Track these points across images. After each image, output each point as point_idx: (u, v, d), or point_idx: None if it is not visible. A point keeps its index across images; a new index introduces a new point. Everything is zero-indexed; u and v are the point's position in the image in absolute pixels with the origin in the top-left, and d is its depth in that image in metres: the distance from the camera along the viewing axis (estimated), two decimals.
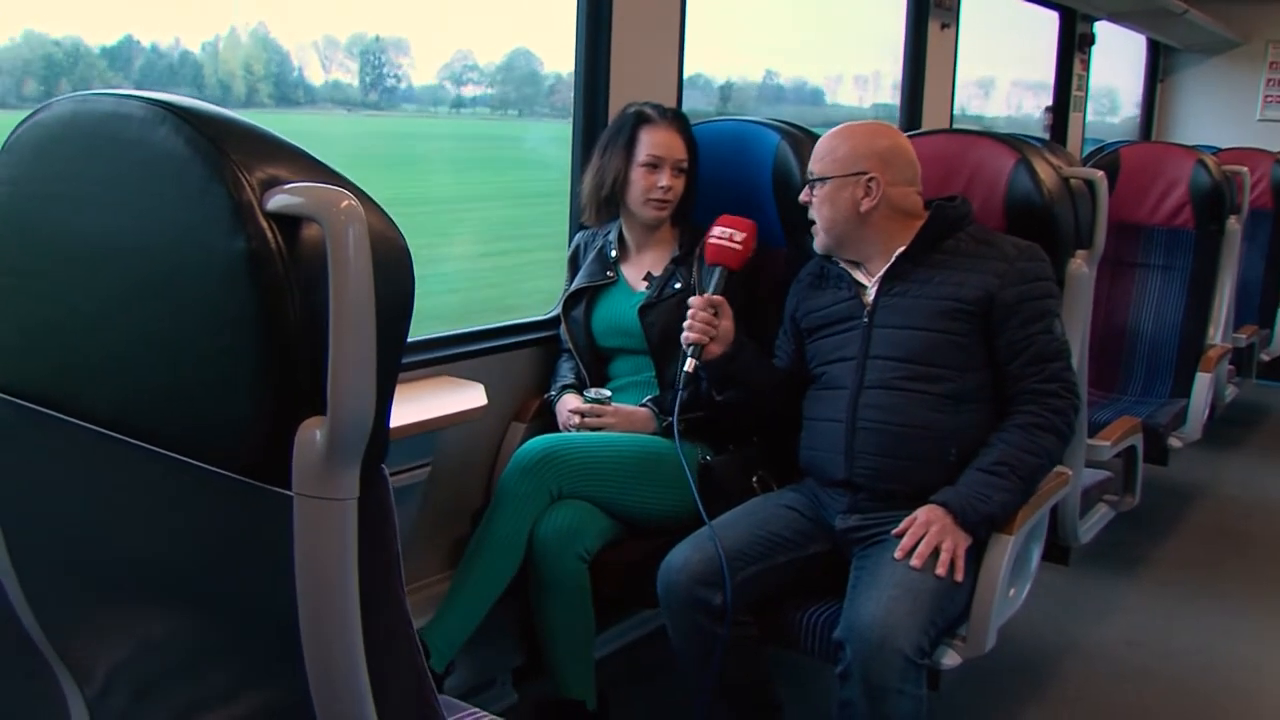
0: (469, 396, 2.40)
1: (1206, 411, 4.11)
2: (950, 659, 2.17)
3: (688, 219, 2.62)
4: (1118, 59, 7.27)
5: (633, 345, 2.61)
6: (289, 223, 1.00)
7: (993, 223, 2.54)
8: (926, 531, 2.13)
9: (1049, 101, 6.04)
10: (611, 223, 2.69)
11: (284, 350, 1.00)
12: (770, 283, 2.64)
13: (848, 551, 2.28)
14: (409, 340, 2.42)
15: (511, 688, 2.76)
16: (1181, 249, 4.16)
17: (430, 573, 2.59)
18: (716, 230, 2.39)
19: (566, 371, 2.70)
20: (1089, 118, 6.36)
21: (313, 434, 1.01)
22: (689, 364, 2.32)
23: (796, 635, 2.23)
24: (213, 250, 1.01)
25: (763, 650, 2.30)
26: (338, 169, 1.06)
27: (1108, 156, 4.35)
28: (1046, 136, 5.66)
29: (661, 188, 2.56)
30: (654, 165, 2.55)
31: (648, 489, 2.44)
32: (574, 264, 2.77)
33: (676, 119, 2.61)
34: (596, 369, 2.68)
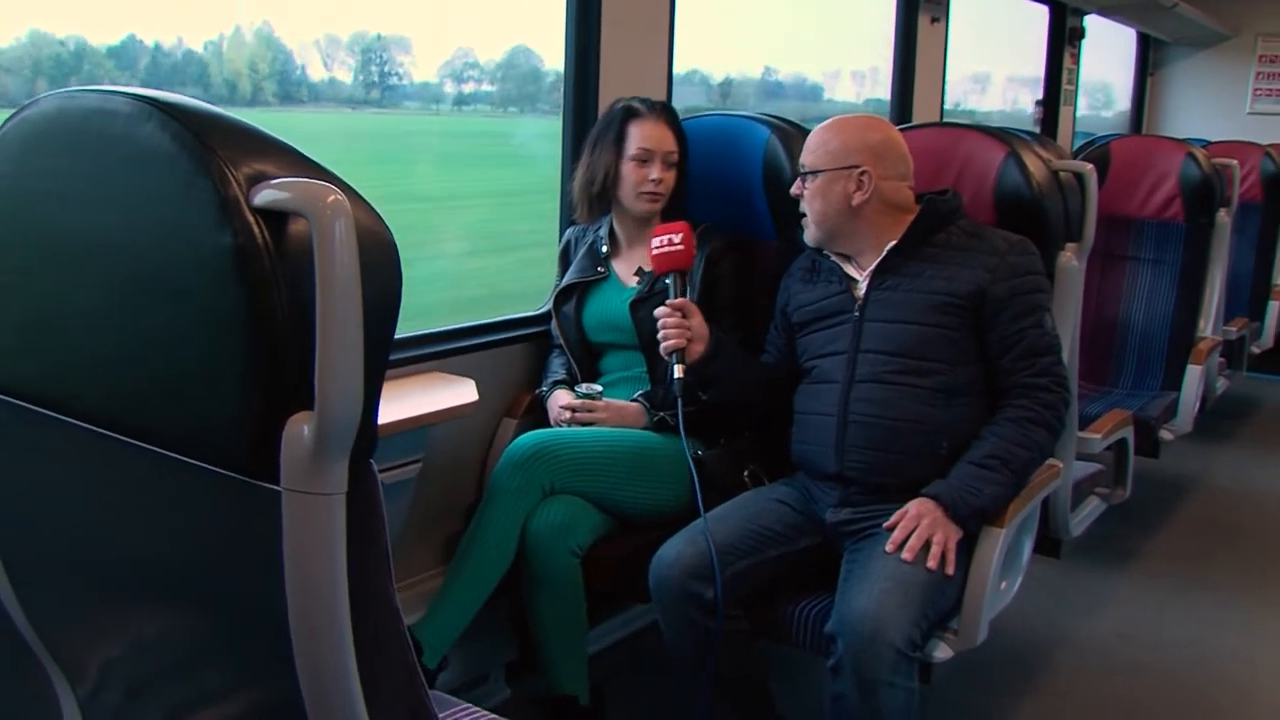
0: (460, 392, 2.39)
1: (1197, 404, 4.11)
2: (942, 652, 2.16)
3: (678, 214, 2.62)
4: (1111, 54, 7.30)
5: (624, 340, 2.61)
6: (276, 218, 1.00)
7: (982, 215, 2.54)
8: (918, 525, 2.13)
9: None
10: (602, 218, 2.69)
11: (271, 345, 1.00)
12: (761, 277, 2.64)
13: (839, 545, 2.29)
14: (400, 336, 2.43)
15: (505, 683, 2.76)
16: (1172, 242, 4.16)
17: (423, 569, 2.59)
18: (655, 242, 2.37)
19: (558, 367, 2.70)
20: (1083, 112, 6.37)
21: (300, 429, 1.01)
22: (678, 370, 2.32)
23: (788, 629, 2.23)
24: (199, 246, 1.01)
25: (754, 644, 2.30)
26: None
27: (1098, 150, 4.35)
28: (1037, 130, 5.67)
29: (653, 180, 2.56)
30: (644, 159, 2.55)
31: (640, 484, 2.44)
32: (564, 260, 2.77)
33: (665, 112, 2.61)
34: (587, 364, 2.68)
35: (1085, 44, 6.09)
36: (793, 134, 2.69)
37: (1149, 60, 7.38)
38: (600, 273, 2.66)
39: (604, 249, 2.67)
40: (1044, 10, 5.83)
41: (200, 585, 1.19)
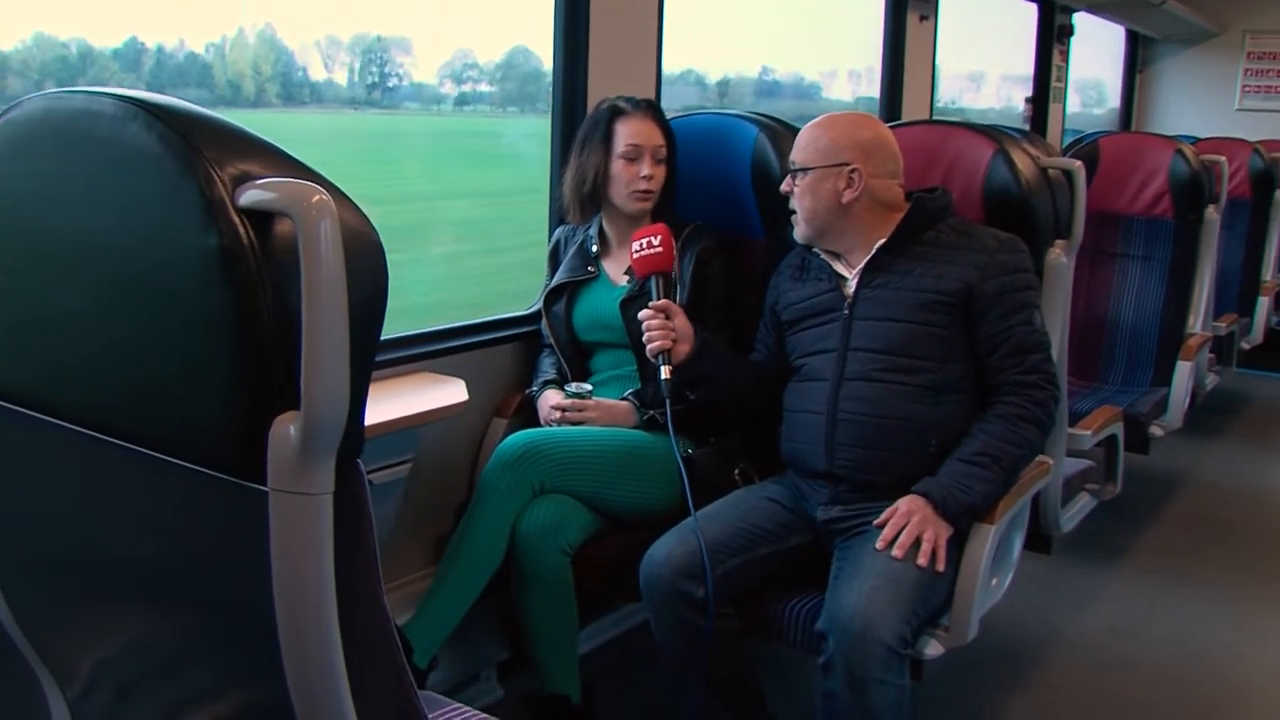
0: (450, 392, 2.39)
1: (1187, 400, 4.12)
2: (933, 649, 2.17)
3: (668, 213, 2.62)
4: (1103, 51, 7.31)
5: (614, 339, 2.61)
6: (261, 218, 1.00)
7: (971, 213, 2.54)
8: (908, 522, 2.13)
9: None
10: (592, 218, 2.69)
11: (257, 346, 1.00)
12: (750, 276, 2.64)
13: (829, 543, 2.29)
14: (390, 336, 2.42)
15: (496, 683, 2.76)
16: (1161, 238, 4.17)
17: (414, 569, 2.59)
18: (635, 245, 2.39)
19: (548, 366, 2.70)
20: (1076, 109, 6.38)
21: (287, 429, 1.01)
22: (665, 371, 2.33)
23: (779, 627, 2.24)
24: (185, 247, 1.01)
25: (745, 642, 2.31)
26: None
27: (1087, 147, 4.37)
28: (1027, 128, 5.68)
29: (644, 177, 2.56)
30: (633, 155, 2.55)
31: (630, 483, 2.44)
32: (554, 259, 2.77)
33: (651, 108, 2.62)
34: (578, 364, 2.68)
35: (1077, 42, 6.11)
36: (781, 132, 2.70)
37: (1138, 57, 7.40)
38: (590, 272, 2.66)
39: (594, 248, 2.67)
40: (1035, 9, 5.84)
41: (189, 586, 1.19)
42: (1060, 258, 2.69)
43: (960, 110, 7.80)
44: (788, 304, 2.43)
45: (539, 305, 2.73)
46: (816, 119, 2.40)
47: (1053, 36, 5.87)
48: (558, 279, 2.69)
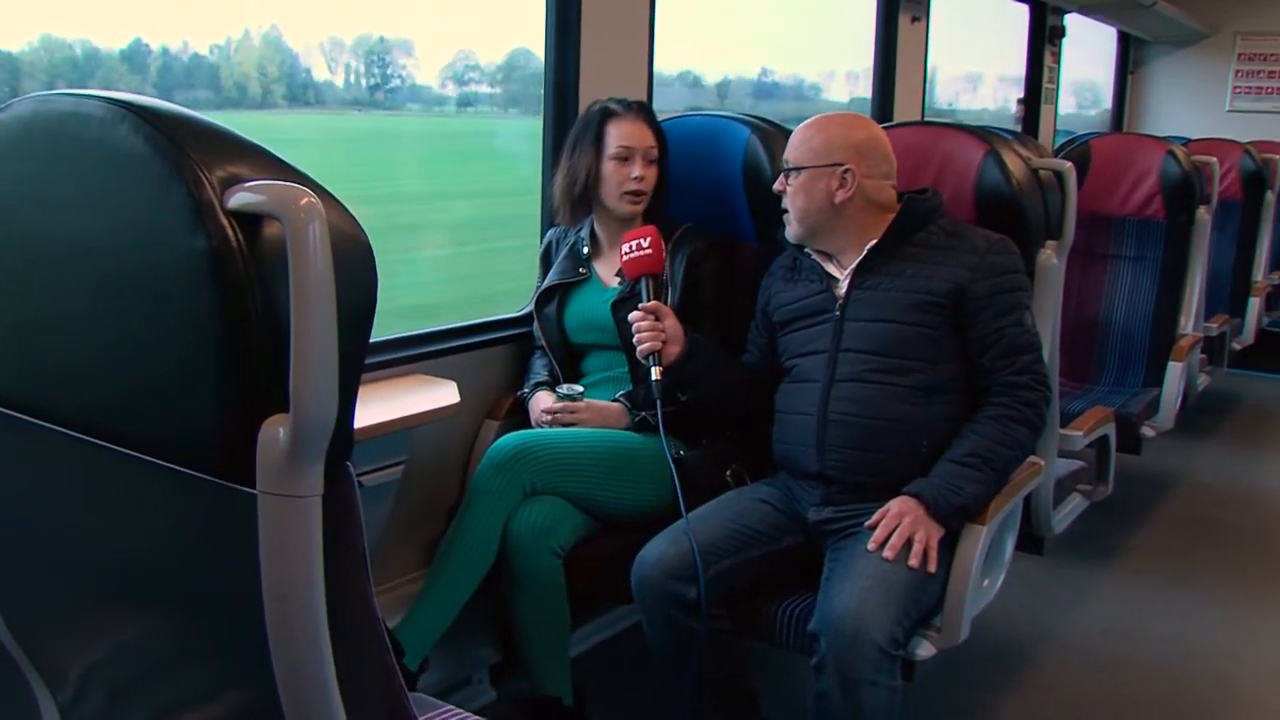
0: (442, 394, 2.39)
1: (1179, 401, 4.13)
2: (925, 650, 2.17)
3: (660, 214, 2.62)
4: (1099, 53, 7.33)
5: (605, 341, 2.61)
6: (250, 220, 0.99)
7: (962, 213, 2.55)
8: (899, 523, 2.13)
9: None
10: (583, 220, 2.69)
11: (246, 348, 1.00)
12: (741, 277, 2.64)
13: (821, 544, 2.29)
14: (381, 339, 2.42)
15: (489, 685, 2.76)
16: (1152, 239, 4.18)
17: (405, 571, 2.59)
18: (624, 248, 2.41)
19: (539, 368, 2.69)
20: (1071, 110, 6.39)
21: (276, 431, 1.01)
22: (655, 372, 2.33)
23: (771, 628, 2.24)
24: (174, 249, 1.00)
25: (737, 644, 2.31)
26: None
27: (1078, 148, 4.37)
28: (1018, 129, 5.69)
29: (635, 179, 2.56)
30: (625, 156, 2.56)
31: (621, 484, 2.44)
32: (546, 261, 2.77)
33: (642, 110, 2.62)
34: (569, 365, 2.68)
35: (1074, 44, 6.12)
36: (773, 134, 2.70)
37: (1129, 59, 7.42)
38: (581, 274, 2.66)
39: (585, 250, 2.67)
40: (1027, 10, 5.85)
41: (179, 588, 1.19)
42: (1051, 259, 2.70)
43: (952, 112, 7.83)
44: (779, 305, 2.43)
45: (530, 307, 2.73)
46: (811, 119, 2.40)
47: (1044, 37, 5.88)
48: (549, 281, 2.69)
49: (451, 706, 1.71)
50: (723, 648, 2.25)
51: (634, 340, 2.35)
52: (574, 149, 2.60)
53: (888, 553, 2.10)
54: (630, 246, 2.39)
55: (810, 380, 2.32)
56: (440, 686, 2.55)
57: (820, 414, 2.28)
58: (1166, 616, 3.44)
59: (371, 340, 1.10)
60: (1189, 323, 4.18)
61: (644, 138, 2.57)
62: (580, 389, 2.56)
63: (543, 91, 2.91)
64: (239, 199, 0.99)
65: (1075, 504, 3.38)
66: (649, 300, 2.37)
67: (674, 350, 2.34)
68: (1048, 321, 2.66)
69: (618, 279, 2.60)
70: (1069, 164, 2.83)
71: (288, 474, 1.01)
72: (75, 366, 1.15)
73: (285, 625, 1.06)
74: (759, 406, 2.43)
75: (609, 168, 2.56)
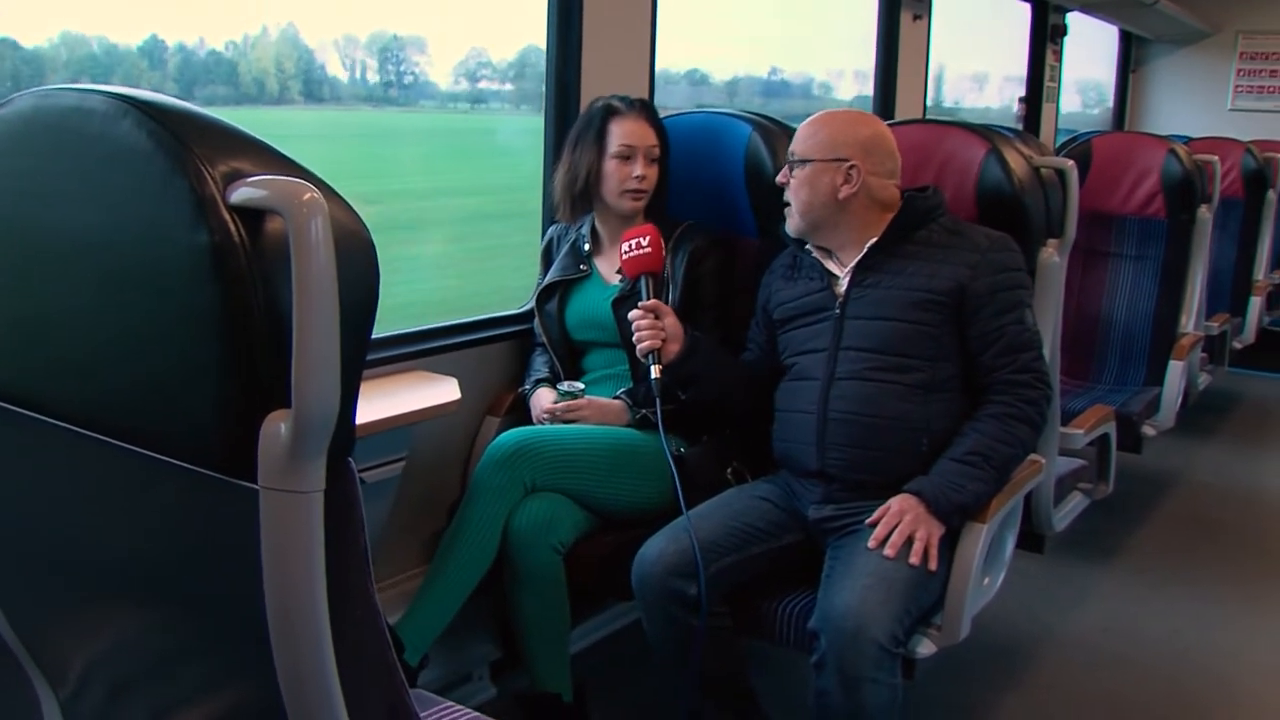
0: (443, 391, 2.39)
1: (1180, 399, 4.13)
2: (925, 648, 2.17)
3: (660, 212, 2.62)
4: (1103, 52, 7.33)
5: (606, 338, 2.61)
6: (252, 216, 0.99)
7: (964, 212, 2.55)
8: (900, 521, 2.13)
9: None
10: (584, 217, 2.69)
11: (248, 343, 1.00)
12: (742, 275, 2.64)
13: (822, 542, 2.29)
14: (382, 335, 2.42)
15: (489, 681, 2.76)
16: (1154, 238, 4.18)
17: (406, 567, 2.59)
18: (624, 246, 2.41)
19: (540, 365, 2.69)
20: (1076, 109, 6.39)
21: (277, 427, 1.01)
22: (655, 370, 2.33)
23: (771, 626, 2.24)
24: (176, 244, 1.00)
25: (738, 641, 2.31)
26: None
27: (1080, 146, 4.37)
28: (1020, 127, 5.69)
29: (636, 177, 2.56)
30: (627, 155, 2.55)
31: (622, 481, 2.44)
32: (547, 258, 2.77)
33: (645, 108, 2.61)
34: (570, 362, 2.68)
35: (1078, 43, 6.11)
36: (775, 131, 2.70)
37: (1131, 57, 7.42)
38: (582, 271, 2.66)
39: (586, 247, 2.67)
40: (1029, 8, 5.85)
41: (180, 584, 1.19)
42: (1053, 257, 2.70)
43: (962, 110, 7.84)
44: (779, 303, 2.43)
45: (531, 304, 2.73)
46: (818, 113, 2.40)
47: (1046, 36, 5.88)
48: (550, 278, 2.68)
49: (452, 703, 1.72)
50: (723, 645, 2.25)
51: (634, 339, 2.35)
52: (576, 146, 2.60)
53: (888, 550, 2.10)
54: (630, 245, 2.39)
55: (810, 378, 2.32)
56: (441, 683, 2.55)
57: (820, 412, 2.28)
58: (1166, 615, 3.43)
59: (373, 336, 1.10)
60: (1190, 322, 4.18)
61: (646, 136, 2.57)
62: (581, 386, 2.56)
63: (544, 88, 2.91)
64: (241, 194, 0.99)
65: (1076, 502, 3.37)
66: (649, 298, 2.37)
67: (674, 348, 2.34)
68: (1049, 320, 2.66)
69: (618, 276, 2.59)
70: (1070, 162, 2.83)
71: (289, 469, 1.01)
72: (77, 362, 1.15)
73: (286, 621, 1.06)
74: (759, 404, 2.42)
75: (611, 166, 2.56)
